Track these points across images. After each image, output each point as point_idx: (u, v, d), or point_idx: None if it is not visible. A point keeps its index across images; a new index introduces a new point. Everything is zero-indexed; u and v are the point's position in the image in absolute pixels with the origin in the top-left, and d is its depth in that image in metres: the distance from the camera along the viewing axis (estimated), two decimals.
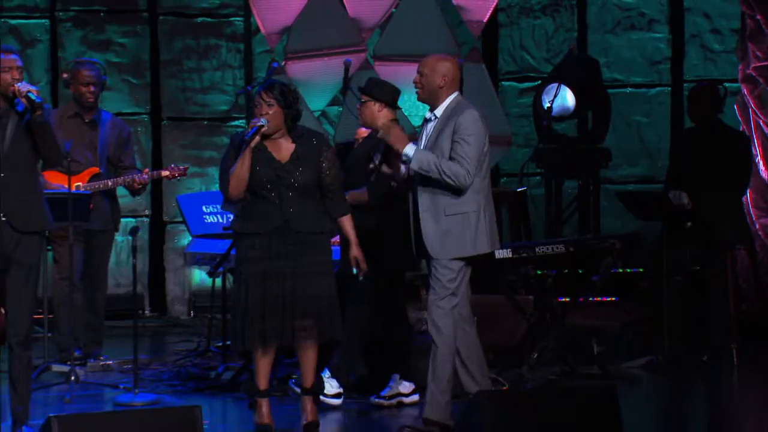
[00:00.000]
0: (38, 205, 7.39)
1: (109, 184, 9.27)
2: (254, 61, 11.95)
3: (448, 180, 7.18)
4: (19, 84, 7.22)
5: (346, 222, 7.53)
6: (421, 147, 7.30)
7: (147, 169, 9.59)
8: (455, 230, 7.24)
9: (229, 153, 7.54)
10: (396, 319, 8.36)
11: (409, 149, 7.23)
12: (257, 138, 7.37)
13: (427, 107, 7.41)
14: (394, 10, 11.35)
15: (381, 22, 11.38)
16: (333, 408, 8.13)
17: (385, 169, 7.41)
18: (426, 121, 7.40)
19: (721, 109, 9.68)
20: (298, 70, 11.21)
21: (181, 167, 9.58)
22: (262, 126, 7.36)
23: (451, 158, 7.19)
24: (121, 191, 9.51)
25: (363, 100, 8.13)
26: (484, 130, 7.33)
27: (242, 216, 7.53)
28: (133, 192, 9.47)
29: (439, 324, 7.25)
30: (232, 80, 11.93)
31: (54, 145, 7.28)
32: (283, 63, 11.20)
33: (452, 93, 7.36)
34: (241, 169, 7.38)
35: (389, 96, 8.26)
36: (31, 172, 7.33)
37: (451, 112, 7.29)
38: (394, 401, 8.18)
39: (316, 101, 11.25)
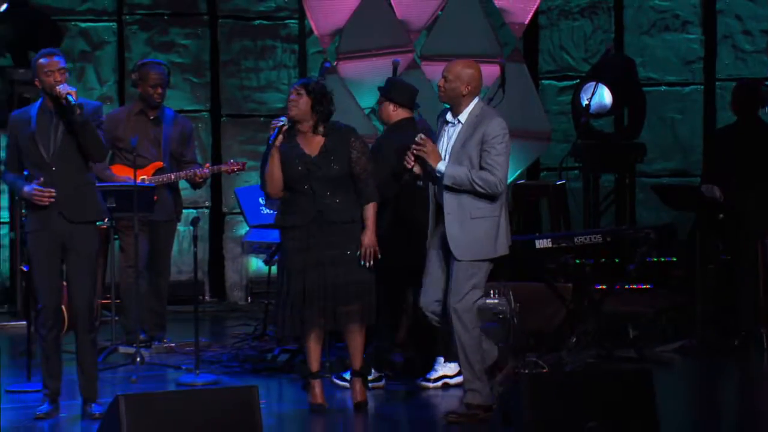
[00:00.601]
0: (90, 197, 7.45)
1: (172, 177, 9.31)
2: (308, 61, 11.96)
3: (481, 190, 7.10)
4: (60, 86, 7.30)
5: (370, 208, 7.51)
6: (443, 149, 7.20)
7: (208, 164, 9.62)
8: (480, 233, 7.15)
9: (266, 155, 7.59)
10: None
11: (441, 165, 7.13)
12: (280, 137, 7.43)
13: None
14: (440, 12, 11.33)
15: (427, 24, 11.36)
16: (381, 389, 8.13)
17: (417, 169, 7.37)
18: (446, 122, 7.29)
19: (762, 107, 9.63)
20: (349, 69, 11.20)
21: (240, 162, 9.62)
22: (283, 125, 7.43)
23: (481, 167, 7.12)
24: (182, 184, 9.55)
25: (380, 100, 8.13)
26: (508, 138, 7.22)
27: (281, 210, 7.59)
28: (194, 185, 9.51)
29: (464, 320, 7.17)
30: (287, 79, 11.95)
31: (95, 142, 7.32)
32: (334, 63, 11.20)
33: (474, 99, 7.26)
34: (272, 169, 7.44)
35: (405, 97, 8.24)
36: (82, 166, 7.38)
37: (477, 120, 7.18)
38: (439, 383, 8.17)
39: (365, 99, 11.24)
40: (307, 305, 7.42)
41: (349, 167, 7.48)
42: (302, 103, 7.45)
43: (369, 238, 7.49)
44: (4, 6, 10.85)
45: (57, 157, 7.32)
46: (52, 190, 7.24)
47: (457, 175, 7.11)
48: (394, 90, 8.27)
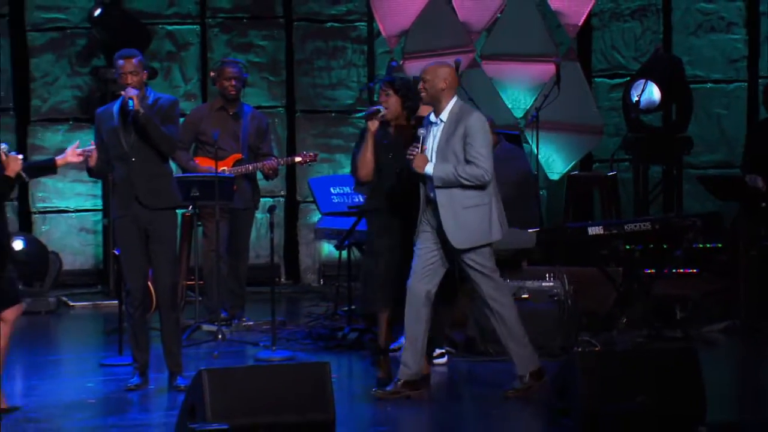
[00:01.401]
0: (167, 186, 7.49)
1: (250, 168, 9.35)
2: (376, 61, 11.95)
3: (469, 183, 7.06)
4: (126, 90, 7.34)
5: None
6: (430, 148, 7.15)
7: (280, 158, 9.67)
8: (473, 222, 7.10)
9: (359, 142, 7.58)
10: None
11: (429, 168, 7.08)
12: (375, 122, 7.40)
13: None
14: (499, 15, 11.28)
15: (487, 25, 11.32)
16: (443, 365, 8.12)
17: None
18: (431, 123, 7.21)
19: None
20: (414, 68, 11.16)
21: (312, 154, 9.63)
22: (379, 111, 7.41)
23: (467, 160, 7.07)
24: (260, 174, 9.59)
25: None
26: (488, 129, 7.20)
27: (371, 195, 7.59)
28: (267, 176, 9.53)
29: (498, 298, 7.16)
30: (357, 77, 11.94)
31: (160, 138, 7.35)
32: (401, 62, 11.19)
33: (453, 97, 7.18)
34: (365, 153, 7.42)
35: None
36: (158, 157, 7.42)
37: (457, 117, 7.12)
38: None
39: None
40: (388, 285, 7.42)
41: None
42: (392, 103, 7.43)
43: None
44: (99, 10, 10.92)
45: (135, 149, 7.36)
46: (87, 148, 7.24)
47: (445, 175, 7.07)
48: (406, 87, 8.18)
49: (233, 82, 9.38)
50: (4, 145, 6.82)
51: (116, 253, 7.89)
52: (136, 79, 7.38)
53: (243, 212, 9.44)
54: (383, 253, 7.44)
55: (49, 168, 7.28)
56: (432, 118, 7.22)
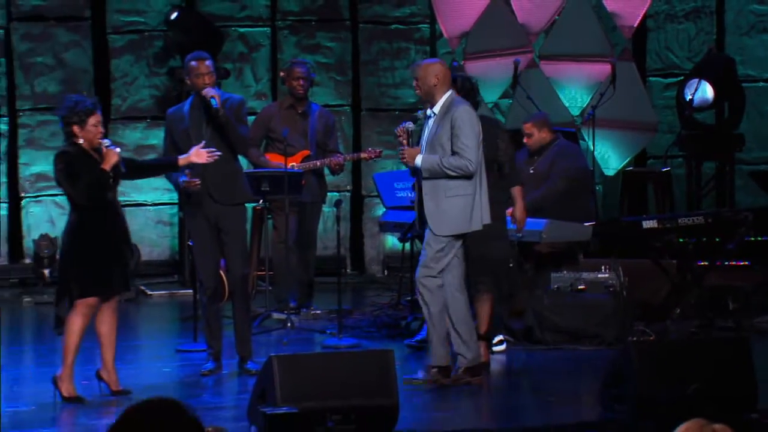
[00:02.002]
0: (238, 182, 7.52)
1: (318, 164, 9.37)
2: None
3: (454, 174, 6.99)
4: (206, 90, 7.36)
5: (516, 190, 7.51)
6: (423, 140, 7.11)
7: (346, 154, 9.69)
8: (453, 211, 7.03)
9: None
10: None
11: (418, 160, 7.05)
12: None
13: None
14: (557, 17, 11.23)
15: (546, 27, 11.27)
16: (502, 352, 8.10)
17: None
18: (427, 117, 7.18)
19: None
20: (474, 68, 11.16)
21: (377, 150, 9.64)
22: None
23: (453, 151, 7.01)
24: (327, 169, 9.61)
25: None
26: (476, 121, 7.09)
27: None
28: (334, 171, 9.55)
29: (427, 284, 7.06)
30: None
31: (236, 136, 7.38)
32: (462, 62, 11.17)
33: (446, 91, 7.11)
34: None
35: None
36: (229, 155, 7.44)
37: (446, 109, 7.06)
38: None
39: (489, 95, 11.20)
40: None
41: (494, 155, 7.44)
42: None
43: (520, 212, 7.54)
44: (175, 14, 10.99)
45: (207, 146, 7.39)
46: (197, 180, 7.29)
47: (430, 166, 7.02)
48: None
49: (301, 82, 9.41)
50: (106, 140, 6.88)
51: (191, 244, 7.95)
52: (213, 79, 7.43)
53: (311, 206, 9.46)
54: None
55: (170, 165, 7.28)
56: (428, 111, 7.19)
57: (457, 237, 7.07)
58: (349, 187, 11.90)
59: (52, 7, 11.18)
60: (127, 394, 6.91)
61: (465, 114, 7.03)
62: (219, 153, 7.24)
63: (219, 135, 7.38)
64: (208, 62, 7.44)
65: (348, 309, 9.61)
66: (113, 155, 6.81)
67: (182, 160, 7.19)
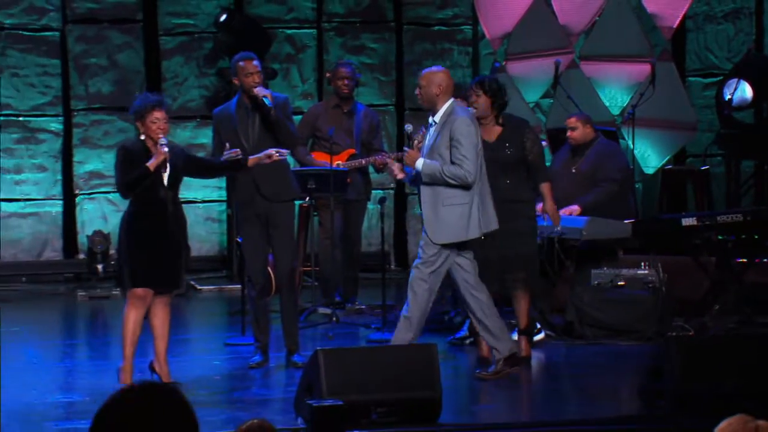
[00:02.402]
0: (287, 179, 7.53)
1: (363, 162, 9.37)
2: (480, 62, 11.89)
3: (453, 182, 6.95)
4: (257, 89, 7.37)
5: (545, 187, 7.48)
6: (425, 147, 7.07)
7: (390, 153, 9.67)
8: (450, 219, 6.99)
9: None
10: None
11: (419, 164, 7.01)
12: None
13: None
14: (597, 18, 11.16)
15: (586, 28, 11.21)
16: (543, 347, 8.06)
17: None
18: (429, 125, 7.15)
19: None
20: (516, 68, 11.12)
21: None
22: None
23: (452, 162, 6.96)
24: (372, 167, 9.60)
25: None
26: (475, 131, 7.02)
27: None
28: (379, 170, 9.55)
29: (415, 288, 7.04)
30: (462, 78, 11.88)
31: (285, 133, 7.39)
32: (503, 63, 11.13)
33: (448, 99, 7.07)
34: None
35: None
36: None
37: (446, 118, 7.02)
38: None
39: (530, 94, 11.16)
40: (483, 272, 7.40)
41: (522, 154, 7.42)
42: (482, 102, 7.41)
43: (550, 206, 7.54)
44: (224, 16, 11.03)
45: (255, 146, 7.40)
46: (237, 150, 7.20)
47: (431, 172, 6.98)
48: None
49: (346, 82, 9.42)
50: (163, 139, 6.89)
51: (239, 240, 7.97)
52: (261, 78, 7.45)
53: (356, 203, 9.47)
54: (475, 244, 7.42)
55: (239, 166, 7.21)
56: (430, 119, 7.16)
57: (451, 245, 7.03)
58: (392, 185, 11.88)
59: (106, 10, 11.25)
60: (178, 386, 6.93)
61: (463, 125, 6.99)
62: (286, 151, 7.23)
63: (267, 133, 7.39)
64: (255, 62, 7.46)
65: (391, 304, 9.60)
66: (160, 155, 6.84)
67: (252, 160, 7.18)
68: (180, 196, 7.18)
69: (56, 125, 11.22)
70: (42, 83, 11.16)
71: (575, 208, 8.46)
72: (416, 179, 7.16)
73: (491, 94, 7.37)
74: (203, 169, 7.36)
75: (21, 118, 11.13)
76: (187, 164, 7.04)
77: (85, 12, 11.23)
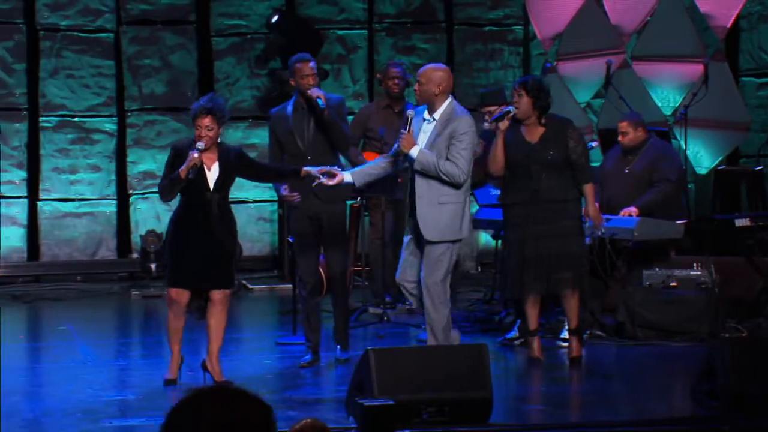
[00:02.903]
0: None
1: None
2: (531, 62, 11.86)
3: (445, 178, 6.92)
4: (311, 90, 7.39)
5: (588, 188, 7.44)
6: (419, 142, 7.01)
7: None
8: (446, 217, 6.96)
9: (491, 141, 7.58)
10: None
11: (414, 151, 6.97)
12: (506, 122, 7.38)
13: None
14: (649, 18, 11.09)
15: (638, 28, 11.13)
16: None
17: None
18: (423, 119, 7.10)
19: None
20: (567, 69, 11.07)
21: (476, 149, 9.52)
22: (509, 112, 7.39)
23: (447, 159, 6.92)
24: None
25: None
26: (474, 132, 7.03)
27: (504, 189, 7.57)
28: None
29: (433, 296, 6.96)
30: (513, 78, 11.86)
31: (339, 134, 7.41)
32: (554, 63, 11.09)
33: (447, 98, 7.05)
34: (495, 150, 7.42)
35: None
36: (331, 154, 7.47)
37: (448, 117, 7.00)
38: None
39: (582, 95, 11.10)
40: (525, 272, 7.39)
41: (565, 154, 7.40)
42: (524, 103, 7.40)
43: (592, 210, 7.49)
44: (276, 17, 11.07)
45: (310, 147, 7.44)
46: (297, 195, 7.28)
47: (426, 162, 6.94)
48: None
49: (397, 81, 9.44)
50: (200, 143, 6.94)
51: (290, 240, 7.99)
52: (316, 80, 7.49)
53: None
54: (516, 244, 7.42)
55: (293, 174, 7.19)
56: (426, 115, 7.12)
57: (453, 242, 7.02)
58: None
59: (159, 12, 11.34)
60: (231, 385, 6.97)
61: (466, 125, 6.99)
62: (341, 174, 7.15)
63: (322, 134, 7.42)
64: (311, 63, 7.50)
65: None
66: (189, 159, 6.86)
67: (305, 170, 7.16)
68: (232, 196, 7.22)
69: (110, 126, 11.32)
70: (96, 84, 11.26)
71: (633, 210, 8.41)
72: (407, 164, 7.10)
73: (533, 94, 7.36)
74: (261, 173, 7.41)
75: (76, 119, 11.24)
76: (244, 167, 7.08)
77: (139, 13, 11.33)
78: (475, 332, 8.64)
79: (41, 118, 11.18)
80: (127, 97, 11.34)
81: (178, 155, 6.97)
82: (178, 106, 11.27)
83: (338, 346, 7.59)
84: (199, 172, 6.91)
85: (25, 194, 11.14)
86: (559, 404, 6.90)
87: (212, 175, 6.97)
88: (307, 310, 7.57)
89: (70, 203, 11.22)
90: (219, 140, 7.01)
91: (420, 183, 7.05)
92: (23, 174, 11.12)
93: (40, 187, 11.17)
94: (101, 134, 11.29)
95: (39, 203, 11.17)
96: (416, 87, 7.18)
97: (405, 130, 7.08)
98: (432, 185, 7.01)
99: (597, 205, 7.79)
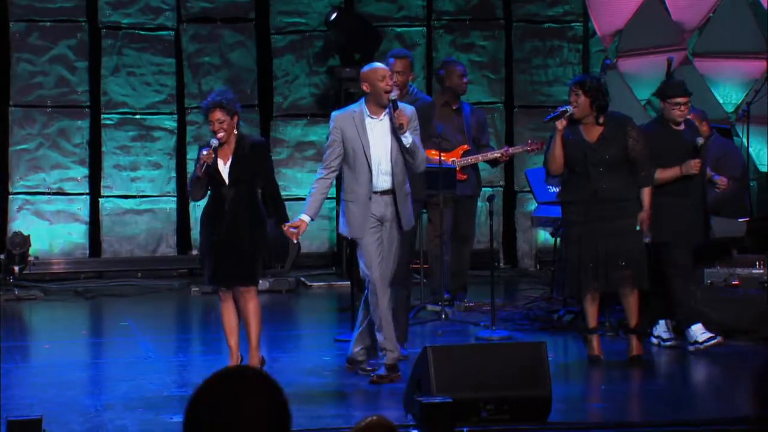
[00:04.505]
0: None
1: (479, 158, 9.33)
2: (590, 59, 11.78)
3: (418, 163, 7.03)
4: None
5: (645, 192, 7.38)
6: (372, 143, 7.00)
7: (506, 147, 9.66)
8: (410, 207, 7.12)
9: (551, 138, 7.53)
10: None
11: (408, 134, 7.01)
12: (563, 121, 7.34)
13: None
14: (711, 14, 10.97)
15: (700, 24, 11.02)
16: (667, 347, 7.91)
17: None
18: (373, 118, 7.07)
19: None
20: (627, 65, 10.99)
21: (537, 142, 9.46)
22: (566, 111, 7.34)
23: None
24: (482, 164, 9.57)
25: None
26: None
27: (563, 187, 7.54)
28: (494, 165, 9.53)
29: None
30: (572, 75, 11.78)
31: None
32: (614, 60, 11.00)
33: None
34: (554, 150, 7.38)
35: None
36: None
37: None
38: (701, 346, 7.82)
39: (642, 92, 11.01)
40: (582, 270, 7.35)
41: (624, 153, 7.34)
42: (581, 102, 7.36)
43: (645, 215, 7.38)
44: (334, 15, 11.09)
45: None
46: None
47: (416, 146, 7.02)
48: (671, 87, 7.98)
49: (464, 80, 9.45)
50: (214, 140, 6.89)
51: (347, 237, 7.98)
52: (402, 78, 7.49)
53: (468, 199, 9.42)
54: (574, 242, 7.38)
55: (278, 221, 7.13)
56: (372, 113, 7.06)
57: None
58: (501, 183, 11.84)
59: (219, 9, 11.40)
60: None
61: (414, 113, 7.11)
62: (301, 222, 7.04)
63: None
64: (390, 60, 7.57)
65: (501, 302, 9.56)
66: (199, 156, 6.89)
67: (286, 227, 7.03)
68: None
69: (170, 123, 11.40)
70: (157, 81, 11.35)
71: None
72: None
73: (591, 94, 7.32)
74: (265, 195, 7.15)
75: (137, 116, 11.33)
76: (256, 162, 6.98)
77: (199, 11, 11.39)
78: (534, 330, 8.60)
79: (103, 116, 11.28)
80: (187, 95, 11.41)
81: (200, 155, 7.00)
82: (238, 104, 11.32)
83: (400, 343, 7.56)
84: (215, 167, 6.89)
85: (87, 191, 11.24)
86: (618, 403, 6.85)
87: (226, 169, 6.96)
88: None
89: (131, 200, 11.32)
90: (237, 132, 6.97)
91: (393, 179, 7.07)
92: (85, 171, 11.23)
93: (102, 184, 11.27)
94: (161, 131, 11.37)
95: (100, 200, 11.27)
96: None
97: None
98: (400, 180, 7.08)
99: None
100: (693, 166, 7.57)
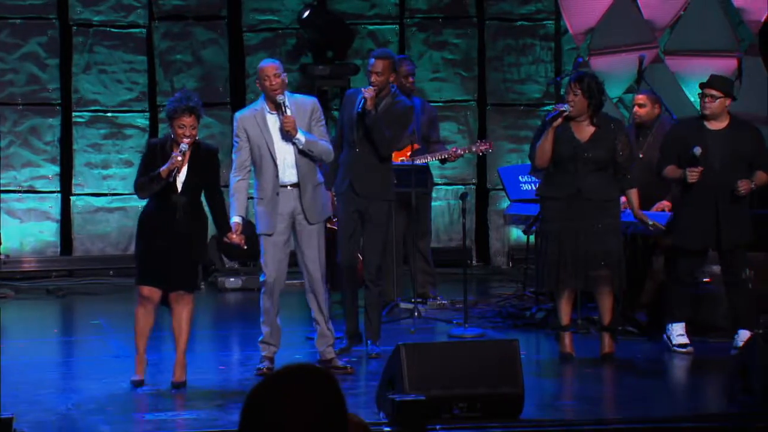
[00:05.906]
0: (383, 179, 7.53)
1: (429, 158, 9.28)
2: (563, 57, 11.81)
3: (324, 156, 7.13)
4: (366, 88, 7.41)
5: (633, 194, 7.40)
6: (276, 138, 7.07)
7: (455, 147, 9.64)
8: (322, 198, 7.23)
9: (539, 131, 7.52)
10: None
11: (300, 135, 7.07)
12: (559, 120, 7.33)
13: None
14: (682, 12, 11.01)
15: (671, 22, 11.06)
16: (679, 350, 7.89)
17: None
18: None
19: None
20: (599, 63, 11.00)
21: (486, 143, 9.42)
22: (564, 111, 7.32)
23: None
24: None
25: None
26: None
27: (545, 182, 7.53)
28: (444, 162, 9.49)
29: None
30: (544, 73, 11.82)
31: (380, 141, 7.45)
32: (587, 58, 11.02)
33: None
34: (545, 144, 7.36)
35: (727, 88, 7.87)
36: (375, 152, 7.47)
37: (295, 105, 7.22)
38: (671, 346, 7.81)
39: (613, 90, 11.03)
40: (562, 268, 7.35)
41: (611, 156, 7.35)
42: (578, 102, 7.35)
43: (639, 214, 7.48)
44: (307, 12, 11.07)
45: (361, 141, 7.45)
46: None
47: (310, 141, 7.11)
48: (720, 83, 7.90)
49: (411, 79, 9.40)
50: (183, 145, 6.71)
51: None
52: (380, 79, 7.47)
53: (424, 196, 9.37)
54: (554, 238, 7.38)
55: (222, 230, 6.98)
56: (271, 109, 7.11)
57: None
58: (474, 181, 11.85)
59: (191, 7, 11.36)
60: (183, 386, 6.87)
61: (317, 105, 7.27)
62: (235, 224, 6.99)
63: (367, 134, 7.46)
64: (373, 60, 7.59)
65: (473, 299, 9.56)
66: (173, 162, 6.67)
67: (228, 237, 6.95)
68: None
69: (142, 121, 11.35)
70: (128, 79, 11.29)
71: (666, 204, 8.31)
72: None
73: (589, 95, 7.32)
74: (208, 197, 6.94)
75: (108, 114, 11.28)
76: (206, 172, 6.84)
77: (171, 9, 11.35)
78: (507, 328, 8.61)
79: (74, 114, 11.22)
80: (159, 93, 11.36)
81: (153, 153, 6.81)
82: (210, 102, 11.26)
83: (369, 341, 7.59)
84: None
85: (58, 189, 11.18)
86: (591, 401, 6.86)
87: (181, 177, 6.78)
88: (346, 298, 7.61)
89: (102, 198, 11.26)
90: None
91: (298, 171, 7.11)
92: (56, 169, 11.17)
93: (73, 182, 11.21)
94: (133, 129, 11.32)
95: (72, 198, 11.21)
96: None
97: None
98: (308, 172, 7.14)
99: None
100: (690, 174, 7.55)
